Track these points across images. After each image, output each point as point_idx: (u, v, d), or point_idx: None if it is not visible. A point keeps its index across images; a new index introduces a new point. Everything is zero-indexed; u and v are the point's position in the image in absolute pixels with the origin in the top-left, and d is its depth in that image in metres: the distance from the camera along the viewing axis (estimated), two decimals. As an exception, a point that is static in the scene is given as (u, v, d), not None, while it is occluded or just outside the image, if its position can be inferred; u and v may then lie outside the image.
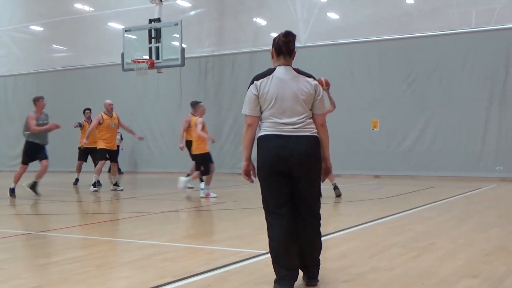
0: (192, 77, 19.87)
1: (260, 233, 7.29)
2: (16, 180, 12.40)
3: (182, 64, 15.85)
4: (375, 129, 17.39)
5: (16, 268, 5.49)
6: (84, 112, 15.96)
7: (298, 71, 4.51)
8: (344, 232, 7.25)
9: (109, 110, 13.78)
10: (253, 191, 14.02)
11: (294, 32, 4.55)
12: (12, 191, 12.29)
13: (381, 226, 7.85)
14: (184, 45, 15.82)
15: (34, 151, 12.29)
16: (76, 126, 15.87)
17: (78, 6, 23.40)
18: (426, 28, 17.00)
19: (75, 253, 6.18)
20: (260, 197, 4.48)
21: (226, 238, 7.01)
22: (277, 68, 4.50)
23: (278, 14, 18.79)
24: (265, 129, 4.42)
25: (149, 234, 7.42)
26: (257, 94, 4.42)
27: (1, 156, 23.95)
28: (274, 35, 4.64)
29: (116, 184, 13.96)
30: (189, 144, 12.80)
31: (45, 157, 12.34)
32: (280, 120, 4.37)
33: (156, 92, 20.75)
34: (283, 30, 4.52)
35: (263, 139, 4.42)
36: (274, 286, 4.38)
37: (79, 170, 15.75)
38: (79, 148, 15.58)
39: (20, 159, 12.51)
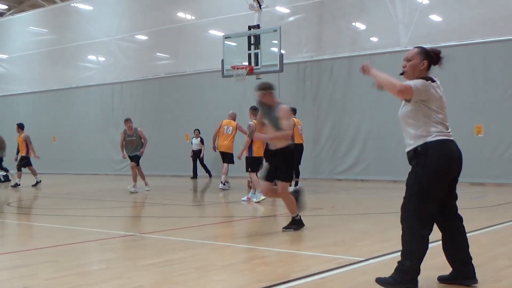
0: (291, 82, 19.91)
1: (358, 240, 7.22)
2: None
3: (281, 70, 15.93)
4: (479, 135, 16.71)
5: (120, 268, 5.72)
6: None
7: None
8: (446, 242, 7.00)
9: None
10: (351, 197, 13.91)
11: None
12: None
13: (485, 236, 7.54)
14: (283, 51, 15.90)
15: None
16: None
17: (180, 15, 24.15)
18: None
19: (175, 255, 6.36)
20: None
21: (322, 244, 6.96)
22: (434, 78, 4.76)
23: (378, 18, 18.44)
24: (440, 134, 4.54)
25: (247, 239, 7.50)
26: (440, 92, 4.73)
27: (108, 160, 25.00)
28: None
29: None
30: None
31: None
32: (447, 124, 4.65)
33: (255, 98, 20.91)
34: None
35: (445, 143, 4.53)
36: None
37: None
38: None
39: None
